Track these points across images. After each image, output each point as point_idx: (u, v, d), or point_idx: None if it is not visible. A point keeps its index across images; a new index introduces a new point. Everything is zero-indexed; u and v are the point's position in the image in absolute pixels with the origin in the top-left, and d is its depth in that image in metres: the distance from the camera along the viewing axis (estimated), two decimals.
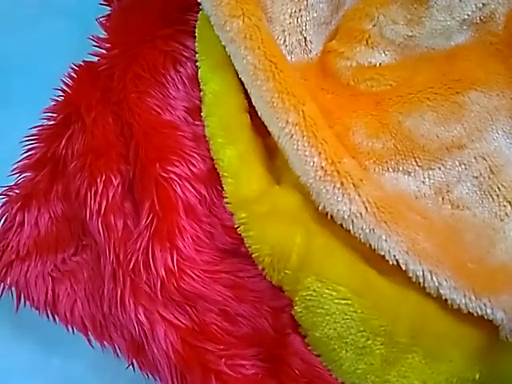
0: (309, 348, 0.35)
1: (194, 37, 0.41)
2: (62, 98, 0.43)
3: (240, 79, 0.38)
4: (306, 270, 0.34)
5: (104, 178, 0.39)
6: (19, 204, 0.41)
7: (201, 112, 0.40)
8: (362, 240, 0.33)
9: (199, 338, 0.36)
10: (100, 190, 0.39)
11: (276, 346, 0.36)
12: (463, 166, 0.39)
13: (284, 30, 0.42)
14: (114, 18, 0.44)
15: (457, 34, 0.42)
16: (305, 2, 0.42)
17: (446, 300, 0.33)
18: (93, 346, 0.40)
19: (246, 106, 0.39)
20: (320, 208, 0.34)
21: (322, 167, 0.34)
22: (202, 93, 0.40)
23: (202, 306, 0.37)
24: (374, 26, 0.42)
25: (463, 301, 0.32)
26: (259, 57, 0.36)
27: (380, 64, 0.43)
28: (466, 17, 0.42)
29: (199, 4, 0.39)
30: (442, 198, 0.39)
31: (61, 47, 0.49)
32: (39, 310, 0.40)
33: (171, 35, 0.42)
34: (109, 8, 0.44)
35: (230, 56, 0.37)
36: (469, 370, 0.33)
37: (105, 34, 0.44)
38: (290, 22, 0.42)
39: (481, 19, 0.42)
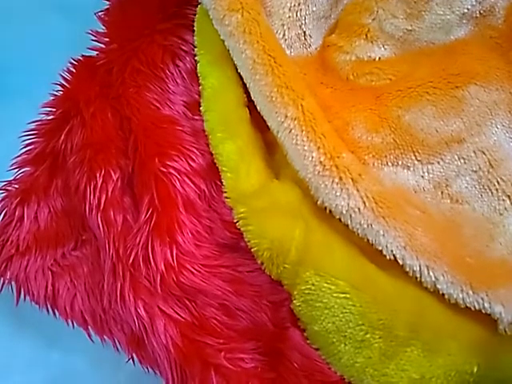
0: (308, 342, 0.35)
1: (193, 31, 0.41)
2: (61, 92, 0.43)
3: (239, 73, 0.38)
4: (305, 264, 0.34)
5: (103, 172, 0.39)
6: (19, 199, 0.41)
7: (200, 106, 0.40)
8: (360, 235, 0.34)
9: (199, 332, 0.36)
10: (99, 185, 0.39)
11: (275, 340, 0.36)
12: (462, 160, 0.39)
13: (283, 24, 0.42)
14: (112, 12, 0.44)
15: (456, 28, 0.42)
16: None
17: (443, 294, 0.33)
18: (93, 341, 0.40)
19: (244, 101, 0.39)
20: (319, 203, 0.35)
21: (321, 162, 0.34)
22: (201, 87, 0.40)
23: (201, 301, 0.37)
24: (374, 20, 0.42)
25: (460, 295, 0.32)
26: (258, 51, 0.35)
27: (379, 58, 0.42)
28: (466, 11, 0.41)
29: None
30: (441, 193, 0.39)
31: (59, 42, 0.49)
32: (39, 304, 0.40)
33: (170, 29, 0.42)
34: (107, 2, 0.44)
35: (228, 50, 0.37)
36: (467, 363, 0.33)
37: (103, 28, 0.43)
38: (290, 16, 0.42)
39: (480, 13, 0.42)
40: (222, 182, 0.38)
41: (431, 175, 0.39)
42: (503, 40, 0.41)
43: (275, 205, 0.36)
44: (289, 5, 0.42)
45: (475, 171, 0.39)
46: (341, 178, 0.34)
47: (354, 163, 0.34)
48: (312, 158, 0.34)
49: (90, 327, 0.39)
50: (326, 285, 0.34)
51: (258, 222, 0.35)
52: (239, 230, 0.35)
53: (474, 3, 0.41)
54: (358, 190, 0.33)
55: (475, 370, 0.33)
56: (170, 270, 0.36)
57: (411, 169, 0.39)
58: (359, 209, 0.33)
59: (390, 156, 0.39)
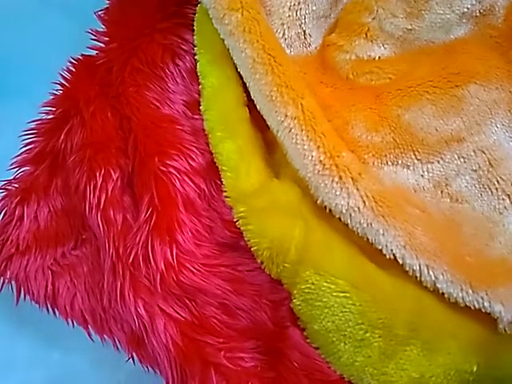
0: (307, 341, 0.35)
1: (193, 30, 0.41)
2: (61, 92, 0.43)
3: (239, 73, 0.38)
4: (305, 264, 0.34)
5: (103, 172, 0.39)
6: (18, 198, 0.41)
7: (200, 106, 0.40)
8: (360, 234, 0.34)
9: (199, 331, 0.36)
10: (99, 184, 0.39)
11: (275, 339, 0.36)
12: (462, 160, 0.39)
13: (283, 23, 0.42)
14: (112, 11, 0.44)
15: (456, 28, 0.42)
16: None
17: (443, 294, 0.33)
18: (93, 340, 0.40)
19: (244, 100, 0.39)
20: (318, 202, 0.35)
21: (321, 161, 0.34)
22: (200, 86, 0.40)
23: (201, 300, 0.37)
24: (374, 19, 0.42)
25: (460, 294, 0.32)
26: (258, 50, 0.35)
27: (379, 57, 0.42)
28: (466, 10, 0.41)
29: None
30: (441, 192, 0.39)
31: (59, 41, 0.49)
32: (39, 303, 0.40)
33: (170, 28, 0.42)
34: (107, 1, 0.44)
35: (228, 49, 0.37)
36: (467, 362, 0.33)
37: (103, 27, 0.43)
38: (289, 15, 0.42)
39: (480, 12, 0.42)
40: (221, 182, 0.38)
41: (431, 174, 0.39)
42: (503, 39, 0.41)
43: (275, 204, 0.36)
44: (288, 4, 0.42)
45: (475, 170, 0.39)
46: (340, 177, 0.34)
47: (354, 162, 0.34)
48: (312, 157, 0.34)
49: (89, 326, 0.39)
50: (325, 284, 0.34)
51: (257, 221, 0.35)
52: (239, 229, 0.35)
53: (474, 2, 0.41)
54: (357, 189, 0.33)
55: (475, 369, 0.33)
56: (170, 269, 0.36)
57: (411, 168, 0.39)
58: (359, 208, 0.33)
59: (390, 155, 0.39)
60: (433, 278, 0.33)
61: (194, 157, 0.39)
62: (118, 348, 0.39)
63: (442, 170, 0.39)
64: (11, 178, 0.42)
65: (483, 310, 0.32)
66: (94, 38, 0.43)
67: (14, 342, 0.42)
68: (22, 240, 0.40)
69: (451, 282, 0.33)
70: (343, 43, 0.42)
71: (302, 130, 0.34)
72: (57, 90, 0.43)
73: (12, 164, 0.42)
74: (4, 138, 0.45)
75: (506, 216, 0.37)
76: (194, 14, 0.42)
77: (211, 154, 0.39)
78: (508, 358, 0.33)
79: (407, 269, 0.33)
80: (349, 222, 0.34)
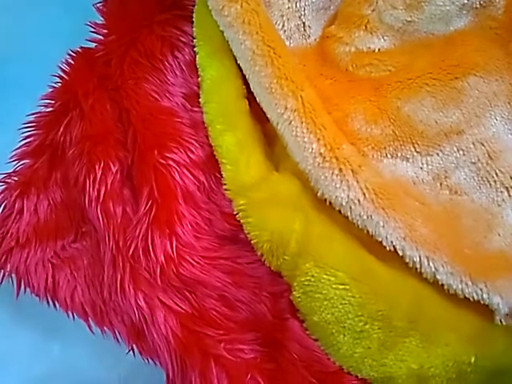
0: (307, 332, 0.36)
1: (192, 22, 0.41)
2: (60, 84, 0.43)
3: (238, 65, 0.37)
4: (305, 256, 0.34)
5: (102, 164, 0.39)
6: (18, 191, 0.41)
7: (199, 98, 0.40)
8: (360, 226, 0.34)
9: (198, 323, 0.36)
10: (99, 177, 0.39)
11: (274, 331, 0.37)
12: (461, 152, 0.39)
13: (282, 15, 0.42)
14: (110, 3, 0.43)
15: (456, 19, 0.42)
16: None
17: (442, 285, 0.33)
18: (93, 332, 0.40)
19: (244, 92, 0.39)
20: (319, 194, 0.35)
21: (321, 153, 0.34)
22: (200, 79, 0.40)
23: (201, 292, 0.37)
24: (373, 11, 0.42)
25: (460, 286, 0.33)
26: (257, 42, 0.35)
27: (379, 49, 0.42)
28: (466, 1, 0.41)
29: None
30: (440, 184, 0.39)
31: (58, 33, 0.49)
32: (39, 296, 0.40)
33: (169, 20, 0.42)
34: None
35: (228, 41, 0.37)
36: (465, 354, 0.33)
37: (102, 19, 0.43)
38: (289, 7, 0.42)
39: (480, 4, 0.42)
40: (221, 174, 0.38)
41: (430, 167, 0.39)
42: (503, 31, 0.41)
43: (275, 197, 0.36)
44: None
45: (474, 163, 0.39)
46: (341, 170, 0.34)
47: (354, 155, 0.35)
48: (312, 149, 0.34)
49: (90, 319, 0.40)
50: (325, 276, 0.34)
51: (257, 213, 0.35)
52: (238, 221, 0.36)
53: None
54: (357, 182, 0.33)
55: (473, 360, 0.33)
56: (170, 261, 0.37)
57: (410, 160, 0.39)
58: (359, 200, 0.33)
59: (389, 148, 0.39)
60: (433, 269, 0.33)
61: (193, 149, 0.39)
62: (118, 340, 0.39)
63: (441, 162, 0.39)
64: (11, 171, 0.42)
65: (482, 302, 0.33)
66: (92, 30, 0.43)
67: (14, 334, 0.43)
68: (22, 233, 0.40)
69: (451, 274, 0.33)
70: (343, 35, 0.42)
71: (301, 123, 0.34)
72: (56, 83, 0.43)
73: (11, 157, 0.42)
74: (3, 130, 0.45)
75: (505, 208, 0.37)
76: (193, 5, 0.41)
77: (210, 146, 0.39)
78: (505, 349, 0.33)
79: (407, 260, 0.33)
80: (349, 214, 0.34)
